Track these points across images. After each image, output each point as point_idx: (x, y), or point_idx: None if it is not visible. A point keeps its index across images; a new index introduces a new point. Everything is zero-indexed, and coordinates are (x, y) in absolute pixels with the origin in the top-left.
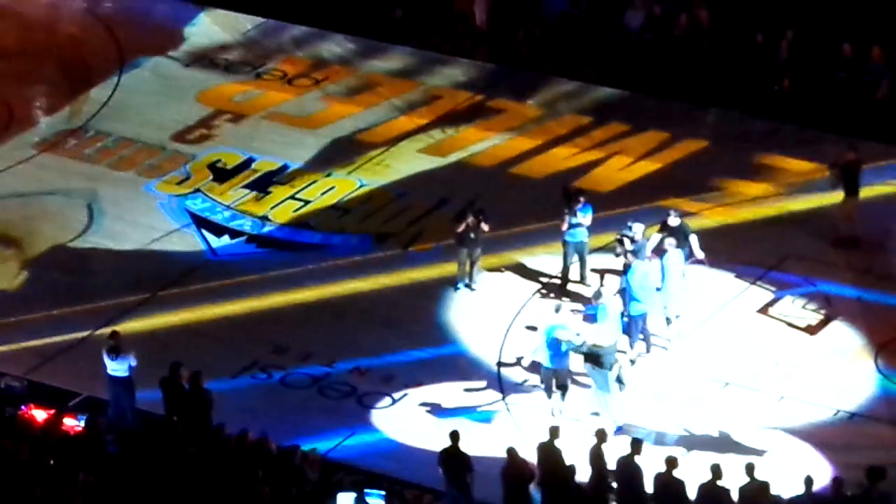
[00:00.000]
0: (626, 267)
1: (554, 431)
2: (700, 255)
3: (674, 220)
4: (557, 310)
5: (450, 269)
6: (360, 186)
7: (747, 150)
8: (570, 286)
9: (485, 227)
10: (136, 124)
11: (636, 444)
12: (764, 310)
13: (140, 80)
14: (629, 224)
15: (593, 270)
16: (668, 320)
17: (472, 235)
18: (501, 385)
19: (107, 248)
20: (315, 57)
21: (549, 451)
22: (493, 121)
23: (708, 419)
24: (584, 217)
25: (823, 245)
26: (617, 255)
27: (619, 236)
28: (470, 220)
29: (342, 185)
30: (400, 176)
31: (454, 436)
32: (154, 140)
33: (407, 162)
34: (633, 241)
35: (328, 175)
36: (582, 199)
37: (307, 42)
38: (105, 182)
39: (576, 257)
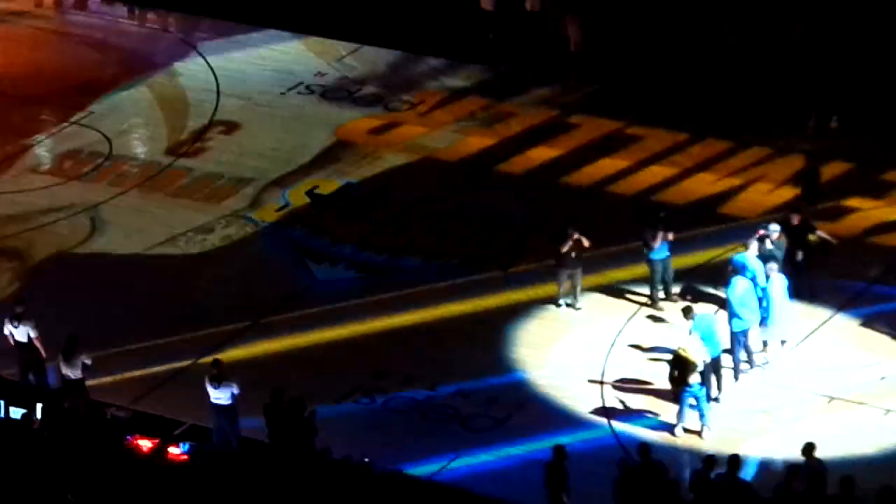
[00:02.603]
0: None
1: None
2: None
3: (794, 219)
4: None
5: (549, 289)
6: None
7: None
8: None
9: (586, 242)
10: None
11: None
12: (868, 323)
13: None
14: (767, 225)
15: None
16: (765, 343)
17: (573, 255)
18: (605, 404)
19: None
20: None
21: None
22: (629, 148)
23: (814, 435)
24: (669, 234)
25: None
26: (759, 253)
27: (760, 234)
28: (573, 239)
29: None
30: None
31: (558, 450)
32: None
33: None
34: (772, 241)
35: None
36: (663, 214)
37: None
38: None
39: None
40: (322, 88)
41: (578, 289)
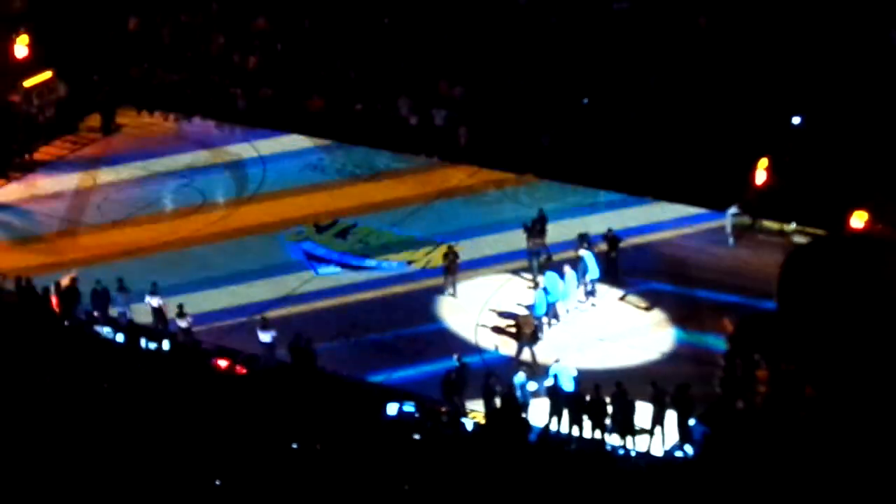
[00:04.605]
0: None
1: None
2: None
3: (609, 234)
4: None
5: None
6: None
7: None
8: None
9: (459, 258)
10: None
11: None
12: (622, 298)
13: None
14: (588, 235)
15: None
16: (567, 311)
17: (452, 264)
18: (479, 346)
19: None
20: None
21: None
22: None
23: (589, 360)
24: (544, 239)
25: (653, 263)
26: (579, 248)
27: (582, 235)
28: (451, 256)
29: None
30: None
31: (462, 365)
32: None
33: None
34: (590, 246)
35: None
36: (544, 220)
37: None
38: None
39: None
40: (323, 166)
41: (455, 282)
